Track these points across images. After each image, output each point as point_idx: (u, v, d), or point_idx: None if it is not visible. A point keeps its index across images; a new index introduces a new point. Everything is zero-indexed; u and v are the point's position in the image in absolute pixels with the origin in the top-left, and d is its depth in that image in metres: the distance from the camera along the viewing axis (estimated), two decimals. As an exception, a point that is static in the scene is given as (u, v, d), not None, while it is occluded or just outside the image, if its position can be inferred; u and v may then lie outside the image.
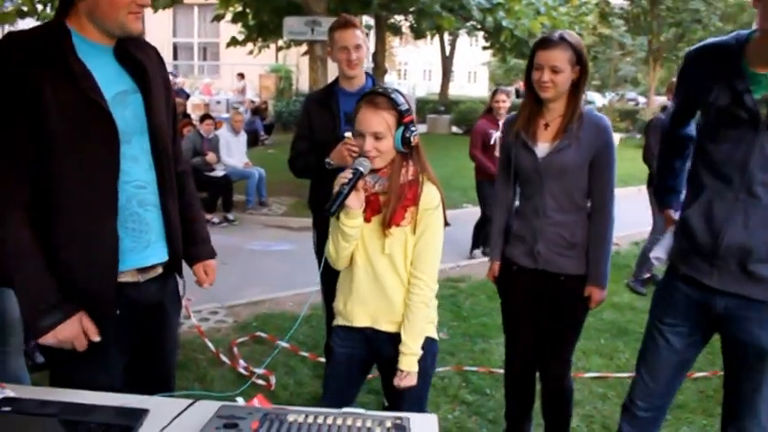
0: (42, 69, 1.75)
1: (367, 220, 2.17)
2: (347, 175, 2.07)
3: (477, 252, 7.02)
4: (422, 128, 20.91)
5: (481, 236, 7.00)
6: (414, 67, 45.80)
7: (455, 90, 32.15)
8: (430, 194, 2.17)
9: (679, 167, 2.58)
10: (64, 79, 1.77)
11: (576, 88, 2.60)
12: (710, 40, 2.23)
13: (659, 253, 2.45)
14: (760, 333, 2.11)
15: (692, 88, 2.25)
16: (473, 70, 45.48)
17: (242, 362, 4.06)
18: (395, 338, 2.22)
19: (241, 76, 19.87)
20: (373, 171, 2.14)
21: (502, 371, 3.39)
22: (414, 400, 2.29)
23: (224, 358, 4.16)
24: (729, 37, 2.14)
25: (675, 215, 2.49)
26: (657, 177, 2.68)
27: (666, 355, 2.35)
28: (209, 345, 4.30)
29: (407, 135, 2.10)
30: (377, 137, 2.09)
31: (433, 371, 2.40)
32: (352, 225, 2.12)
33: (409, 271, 2.20)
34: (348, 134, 2.76)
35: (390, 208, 2.12)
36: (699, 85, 2.17)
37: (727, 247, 2.09)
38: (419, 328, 2.21)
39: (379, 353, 2.33)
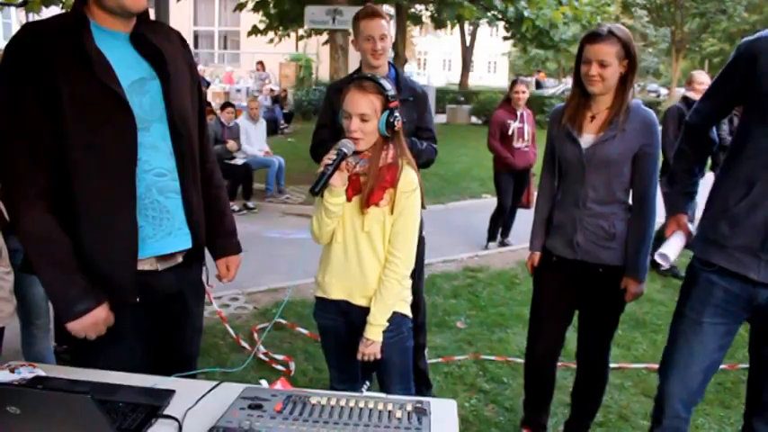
0: (58, 60, 1.77)
1: (348, 199, 2.24)
2: (331, 156, 2.14)
3: (493, 244, 7.02)
4: (441, 118, 20.91)
5: (497, 228, 7.00)
6: (433, 56, 45.64)
7: (475, 80, 32.05)
8: (408, 177, 2.24)
9: (698, 172, 2.55)
10: (80, 68, 1.78)
11: (624, 82, 2.60)
12: (765, 32, 2.16)
13: (667, 250, 2.42)
14: None
15: (750, 79, 2.15)
16: (493, 60, 45.29)
17: (262, 347, 4.11)
18: (366, 312, 2.31)
19: (261, 65, 19.86)
20: (356, 153, 2.21)
21: (519, 360, 3.42)
22: (399, 374, 2.43)
23: (244, 344, 4.22)
24: None
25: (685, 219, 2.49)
26: (676, 180, 2.57)
27: (701, 357, 2.31)
28: (230, 330, 4.36)
29: (391, 120, 2.18)
30: (363, 118, 2.17)
31: (410, 345, 2.47)
32: (335, 202, 2.21)
33: (387, 249, 2.28)
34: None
35: (368, 188, 2.20)
36: (760, 76, 2.10)
37: None
38: (389, 302, 2.29)
39: (353, 325, 2.39)
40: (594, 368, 2.97)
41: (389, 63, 3.26)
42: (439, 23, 18.16)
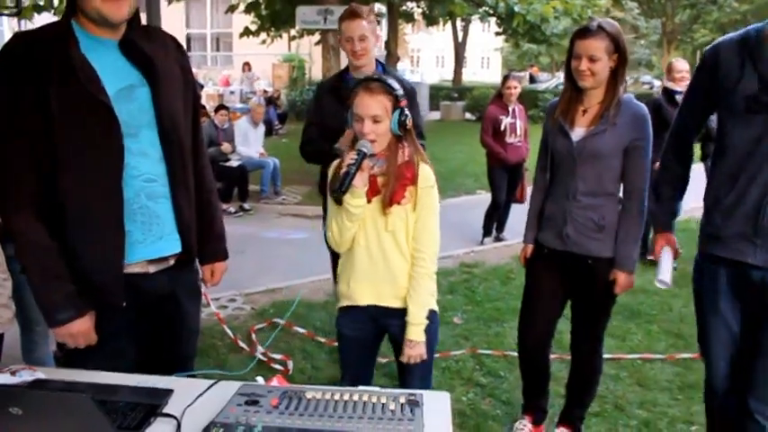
0: (47, 68, 1.80)
1: (367, 201, 2.25)
2: (352, 155, 2.16)
3: (488, 239, 7.06)
4: (435, 115, 20.96)
5: (492, 223, 7.04)
6: (426, 53, 45.62)
7: (468, 76, 32.07)
8: (425, 172, 2.27)
9: (682, 190, 2.63)
10: (65, 75, 1.81)
11: (615, 76, 2.65)
12: (724, 37, 2.33)
13: (664, 277, 2.55)
14: None
15: (715, 83, 2.29)
16: (486, 56, 45.28)
17: (260, 347, 4.15)
18: (399, 313, 2.32)
19: (248, 66, 19.84)
20: (374, 154, 2.22)
21: (516, 354, 3.45)
22: (423, 371, 2.42)
23: (242, 344, 4.25)
24: (743, 32, 2.26)
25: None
26: (662, 201, 2.65)
27: (733, 342, 2.40)
28: (228, 331, 4.39)
29: (403, 118, 2.21)
30: (375, 120, 2.19)
31: (436, 343, 2.49)
32: (357, 204, 2.21)
33: (412, 246, 2.30)
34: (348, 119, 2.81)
35: (390, 187, 2.22)
36: (723, 78, 2.25)
37: None
38: (424, 299, 2.32)
39: (385, 329, 2.42)
40: (587, 359, 3.01)
41: (378, 61, 3.30)
42: (430, 20, 18.20)
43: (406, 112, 2.21)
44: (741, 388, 2.40)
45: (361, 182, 2.18)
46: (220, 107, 9.35)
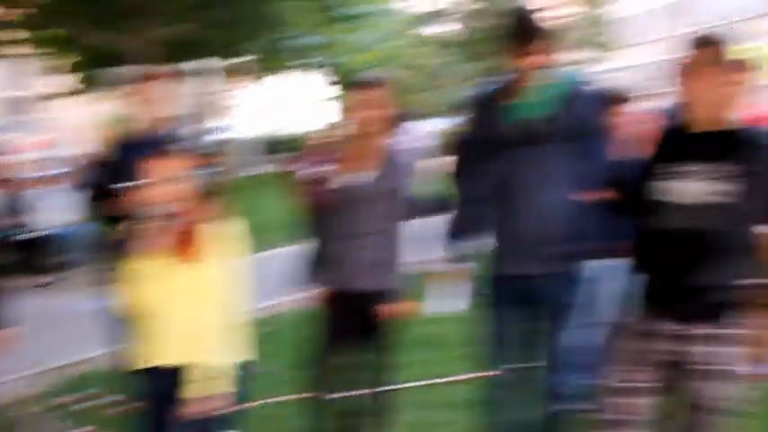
0: None
1: (167, 259, 2.26)
2: (144, 219, 2.20)
3: (304, 287, 7.09)
4: (259, 168, 20.90)
5: (314, 268, 7.11)
6: (252, 106, 45.43)
7: (299, 126, 32.35)
8: (225, 228, 2.33)
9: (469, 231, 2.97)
10: None
11: (388, 124, 2.92)
12: (476, 89, 2.84)
13: (444, 305, 2.95)
14: (557, 292, 2.71)
15: (475, 130, 2.75)
16: (317, 105, 45.84)
17: (60, 423, 3.94)
18: (200, 371, 2.30)
19: (54, 131, 19.13)
20: (171, 213, 2.25)
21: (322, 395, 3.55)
22: (225, 423, 2.42)
23: (43, 422, 4.05)
24: (490, 84, 2.76)
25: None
26: (456, 238, 2.95)
27: (517, 341, 2.79)
28: (27, 409, 4.19)
29: (203, 177, 2.28)
30: (171, 182, 2.23)
31: (244, 395, 2.51)
32: (151, 267, 2.23)
33: (214, 301, 2.31)
34: (136, 182, 2.81)
35: (187, 244, 2.25)
36: (478, 126, 2.71)
37: (532, 240, 2.64)
38: (221, 354, 2.31)
39: (183, 388, 2.38)
40: (379, 391, 3.18)
41: (167, 122, 3.33)
42: (255, 74, 18.36)
43: (208, 170, 2.29)
44: (530, 378, 2.79)
45: (154, 245, 2.21)
46: (19, 177, 8.85)
